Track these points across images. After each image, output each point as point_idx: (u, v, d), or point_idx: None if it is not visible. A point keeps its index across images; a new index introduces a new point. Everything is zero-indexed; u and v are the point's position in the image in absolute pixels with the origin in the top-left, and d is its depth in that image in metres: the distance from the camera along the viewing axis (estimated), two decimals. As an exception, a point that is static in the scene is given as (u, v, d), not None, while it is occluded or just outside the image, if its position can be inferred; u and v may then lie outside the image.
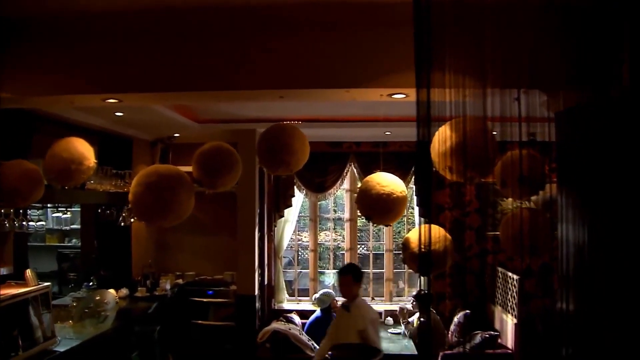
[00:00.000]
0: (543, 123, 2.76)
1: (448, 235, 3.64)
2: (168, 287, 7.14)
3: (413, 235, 3.67)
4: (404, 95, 3.71)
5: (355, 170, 8.00)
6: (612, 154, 2.50)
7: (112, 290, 6.09)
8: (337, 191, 8.27)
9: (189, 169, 3.68)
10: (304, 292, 8.75)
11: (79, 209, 7.77)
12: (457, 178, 3.53)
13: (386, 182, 3.69)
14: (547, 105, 2.79)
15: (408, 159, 7.78)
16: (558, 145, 2.93)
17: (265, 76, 3.66)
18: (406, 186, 6.19)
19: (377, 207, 3.67)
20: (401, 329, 7.50)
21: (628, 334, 2.55)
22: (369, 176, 3.82)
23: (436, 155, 3.53)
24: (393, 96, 3.73)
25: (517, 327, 6.39)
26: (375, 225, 8.85)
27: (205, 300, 7.45)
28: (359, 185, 8.08)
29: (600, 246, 2.66)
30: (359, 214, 9.07)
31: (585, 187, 2.75)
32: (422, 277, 7.99)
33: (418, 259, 3.40)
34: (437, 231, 3.63)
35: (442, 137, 3.46)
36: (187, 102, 5.46)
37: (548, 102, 2.72)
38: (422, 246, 3.17)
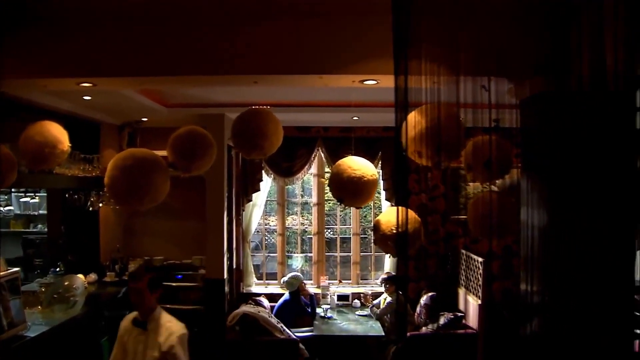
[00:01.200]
0: (508, 110, 2.88)
1: (418, 217, 3.76)
2: (137, 271, 7.12)
3: (384, 218, 3.78)
4: (375, 82, 3.80)
5: (323, 154, 8.08)
6: (573, 141, 2.63)
7: (80, 276, 6.06)
8: (304, 176, 8.35)
9: (162, 153, 3.70)
10: (272, 276, 8.84)
11: (44, 194, 7.66)
12: (426, 162, 3.64)
13: (357, 165, 3.79)
14: (513, 93, 2.91)
15: (375, 144, 7.92)
16: (522, 131, 3.06)
17: (240, 62, 3.70)
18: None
19: (348, 190, 3.76)
20: (367, 311, 7.66)
21: (589, 314, 2.68)
22: (340, 160, 3.91)
23: (406, 139, 3.64)
24: (365, 82, 3.82)
25: (481, 308, 6.60)
26: (344, 208, 8.98)
27: (174, 284, 7.46)
28: (327, 169, 8.22)
29: (562, 229, 2.77)
30: (331, 196, 9.21)
31: (547, 172, 2.86)
32: (393, 259, 8.21)
33: (395, 240, 3.50)
34: (409, 214, 3.75)
35: (412, 122, 3.57)
36: (161, 86, 5.45)
37: (514, 90, 2.84)
38: (400, 227, 3.30)
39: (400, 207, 2.92)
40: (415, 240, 3.71)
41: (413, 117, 3.58)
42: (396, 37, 2.04)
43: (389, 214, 3.80)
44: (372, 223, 3.92)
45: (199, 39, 3.78)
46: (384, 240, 3.68)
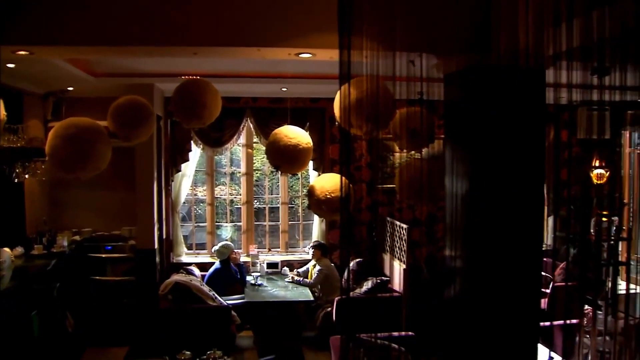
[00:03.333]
0: (432, 83, 3.12)
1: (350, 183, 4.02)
2: (65, 243, 7.02)
3: (318, 184, 4.00)
4: (310, 55, 3.97)
5: (251, 125, 8.20)
6: (491, 114, 2.89)
7: (7, 249, 5.93)
8: (233, 146, 8.45)
9: (103, 123, 3.73)
10: (201, 246, 8.94)
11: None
12: (356, 131, 3.87)
13: (293, 134, 3.99)
14: (439, 68, 3.15)
15: (303, 114, 8.11)
16: (445, 104, 3.31)
17: (181, 33, 3.76)
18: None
19: (284, 157, 3.96)
20: (298, 278, 7.90)
21: (503, 275, 2.94)
22: (277, 129, 4.09)
23: (338, 110, 3.86)
24: (300, 55, 3.98)
25: (406, 272, 7.00)
26: (271, 178, 9.16)
27: (103, 255, 7.43)
28: (255, 140, 8.35)
29: (481, 197, 2.99)
30: (259, 166, 9.36)
31: (468, 143, 3.09)
32: (320, 227, 8.49)
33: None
34: (339, 179, 4.00)
35: (344, 94, 3.79)
36: (99, 56, 5.33)
37: (441, 65, 3.07)
38: (328, 194, 3.51)
39: (341, 176, 3.12)
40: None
41: (345, 89, 3.80)
42: (341, 14, 2.22)
43: (322, 180, 4.03)
44: (307, 189, 4.13)
45: (138, 10, 3.79)
46: (319, 205, 3.91)
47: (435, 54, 2.87)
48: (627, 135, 7.30)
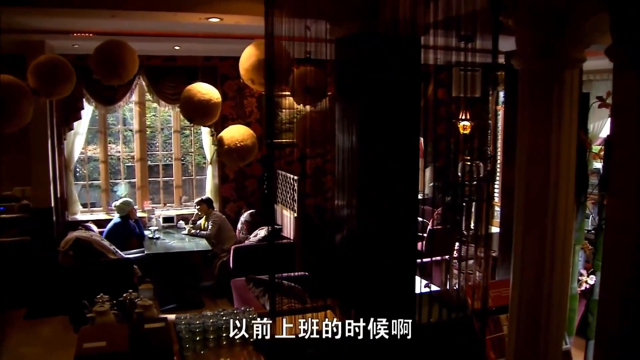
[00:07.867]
0: (331, 45, 3.60)
1: (254, 133, 4.51)
2: (-48, 207, 6.86)
3: (227, 134, 4.45)
4: (218, 20, 4.35)
5: (144, 83, 8.32)
6: (376, 74, 3.37)
7: None
8: (125, 104, 8.52)
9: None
10: (95, 204, 9.01)
11: None
12: (258, 88, 4.33)
13: (205, 90, 4.39)
14: (332, 33, 3.64)
15: (196, 72, 8.34)
16: (336, 64, 3.80)
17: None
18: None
19: (198, 111, 4.35)
20: (195, 230, 8.28)
21: (384, 220, 3.40)
22: (190, 85, 4.46)
23: (242, 69, 4.29)
24: (210, 19, 4.34)
25: (297, 220, 7.62)
26: (164, 134, 9.38)
27: (-5, 217, 7.33)
28: (148, 97, 8.50)
29: (366, 149, 3.44)
30: (151, 124, 9.51)
31: (355, 99, 3.55)
32: (213, 182, 8.84)
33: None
34: (246, 130, 4.49)
35: (248, 54, 4.24)
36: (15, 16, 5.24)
37: (334, 30, 3.58)
38: (238, 142, 3.98)
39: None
40: (252, 151, 4.47)
41: (248, 51, 4.25)
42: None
43: (231, 131, 4.49)
44: (217, 140, 4.56)
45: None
46: (230, 153, 4.37)
47: (329, 20, 3.37)
48: (495, 94, 8.25)
